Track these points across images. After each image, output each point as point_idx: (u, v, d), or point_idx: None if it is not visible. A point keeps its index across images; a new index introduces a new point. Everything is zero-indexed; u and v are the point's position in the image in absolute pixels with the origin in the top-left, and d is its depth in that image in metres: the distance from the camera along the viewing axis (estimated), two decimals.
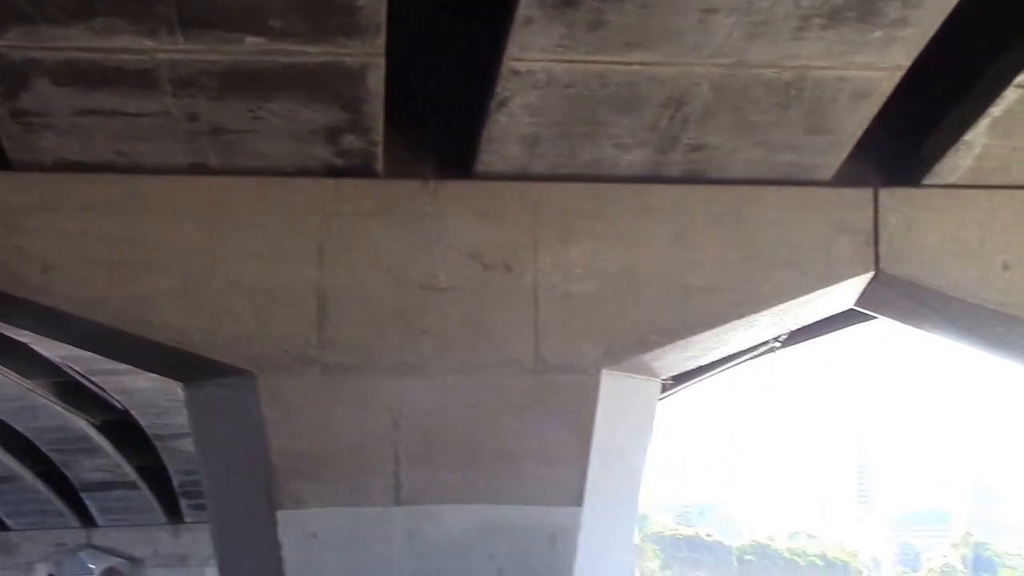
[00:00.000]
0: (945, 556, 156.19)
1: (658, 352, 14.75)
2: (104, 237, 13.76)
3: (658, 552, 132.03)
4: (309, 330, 14.04)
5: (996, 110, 12.99)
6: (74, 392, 39.88)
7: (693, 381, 28.10)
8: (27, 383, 36.93)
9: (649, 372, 15.33)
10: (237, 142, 13.22)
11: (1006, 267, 14.88)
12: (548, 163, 13.99)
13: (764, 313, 14.80)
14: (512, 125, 13.15)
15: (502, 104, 12.70)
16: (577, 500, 14.35)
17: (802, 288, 14.65)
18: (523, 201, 14.35)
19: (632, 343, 14.50)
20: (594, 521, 14.53)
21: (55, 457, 48.68)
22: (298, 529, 14.16)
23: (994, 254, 14.90)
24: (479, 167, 14.00)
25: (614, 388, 14.53)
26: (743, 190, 14.50)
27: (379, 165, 13.91)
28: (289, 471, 14.14)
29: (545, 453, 14.40)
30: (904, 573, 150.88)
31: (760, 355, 24.58)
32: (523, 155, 13.81)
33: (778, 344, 23.36)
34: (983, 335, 16.62)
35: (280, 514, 14.07)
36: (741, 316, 14.64)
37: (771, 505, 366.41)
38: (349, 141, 13.33)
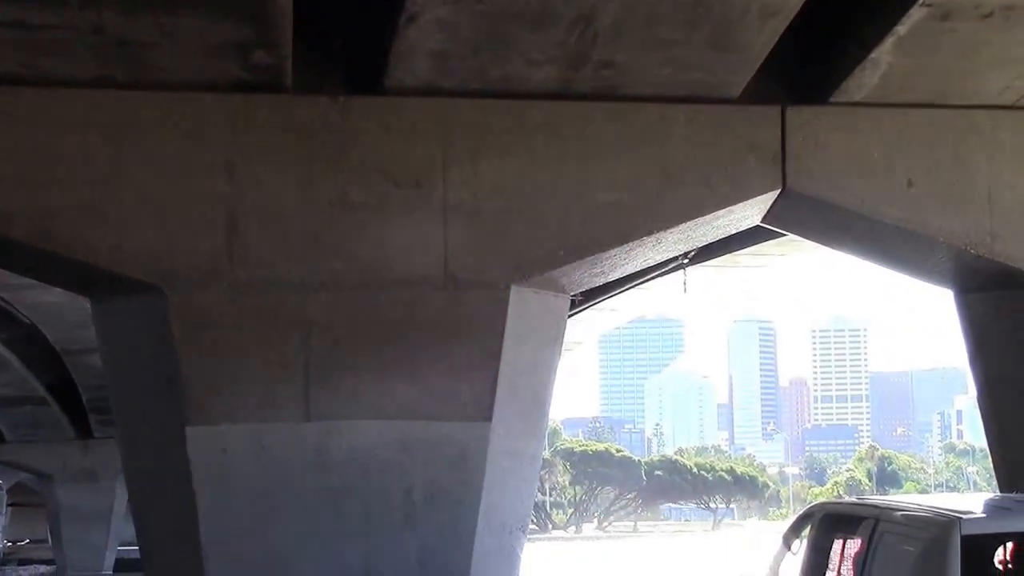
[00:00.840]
0: (851, 470, 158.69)
1: (567, 268, 14.82)
2: (8, 151, 13.59)
3: (568, 467, 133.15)
4: (218, 246, 13.97)
5: (902, 28, 13.06)
6: None
7: (603, 297, 28.19)
8: None
9: (558, 288, 15.40)
10: (144, 56, 13.06)
11: (910, 184, 15.04)
12: (458, 79, 13.95)
13: (672, 230, 14.89)
14: (422, 41, 13.09)
15: (411, 20, 12.62)
16: (486, 415, 14.43)
17: (709, 205, 14.75)
18: (433, 117, 14.31)
19: (541, 259, 14.54)
20: (503, 436, 14.62)
21: None
22: (207, 445, 14.13)
23: (899, 172, 15.07)
24: (388, 83, 13.93)
25: (523, 304, 14.59)
26: (652, 108, 14.54)
27: (288, 81, 13.81)
28: (198, 387, 14.11)
29: (454, 369, 14.45)
30: (810, 487, 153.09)
31: (669, 271, 24.70)
32: (433, 71, 13.76)
33: (686, 260, 23.48)
34: (888, 252, 16.83)
35: (189, 430, 14.05)
36: (649, 233, 14.73)
37: (681, 421, 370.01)
38: (258, 56, 13.21)
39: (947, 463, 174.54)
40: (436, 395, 14.42)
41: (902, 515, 10.69)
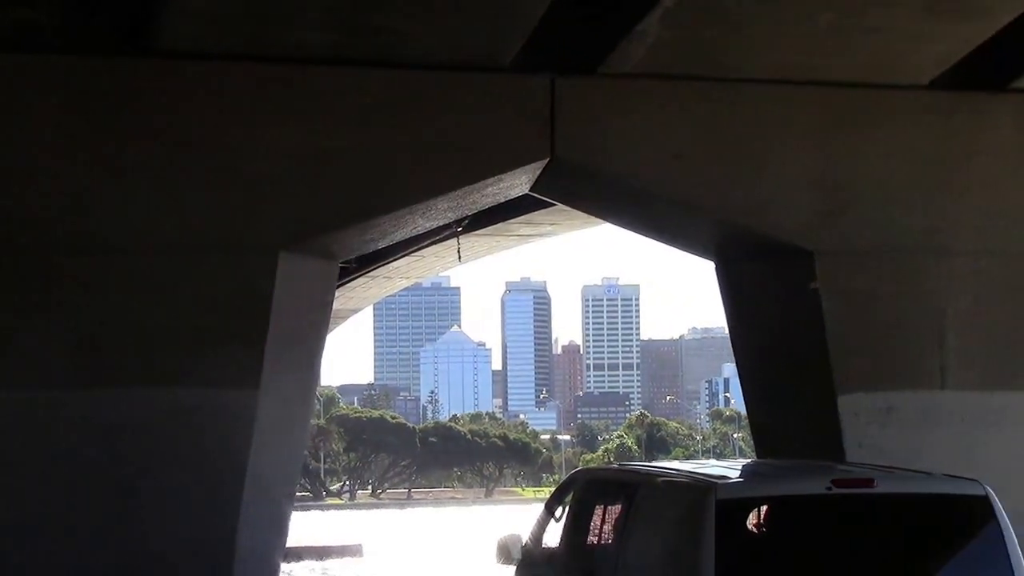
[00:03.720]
0: (621, 437, 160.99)
1: (337, 235, 14.76)
2: None
3: (343, 435, 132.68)
4: None
5: (669, 1, 13.22)
6: None
7: (377, 265, 28.12)
8: None
9: (328, 255, 15.33)
10: None
11: (679, 155, 15.27)
12: (232, 43, 13.79)
13: (442, 198, 14.93)
14: (193, 2, 12.90)
15: None
16: (254, 382, 14.31)
17: (479, 173, 14.81)
18: (206, 81, 14.14)
19: (311, 225, 14.46)
20: (271, 403, 14.52)
21: None
22: None
23: (668, 143, 15.29)
24: (160, 46, 13.70)
25: (292, 270, 14.48)
26: (425, 75, 14.53)
27: (56, 39, 13.51)
28: None
29: (223, 335, 14.29)
30: (582, 454, 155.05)
31: (443, 239, 24.76)
32: (205, 34, 13.58)
33: (460, 228, 23.56)
34: (655, 222, 17.10)
35: None
36: (418, 201, 14.74)
37: (456, 389, 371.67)
38: (22, 13, 12.90)
39: (714, 430, 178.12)
40: (205, 362, 14.25)
41: (661, 481, 10.85)
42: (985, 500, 9.91)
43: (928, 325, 15.77)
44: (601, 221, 19.63)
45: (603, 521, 11.47)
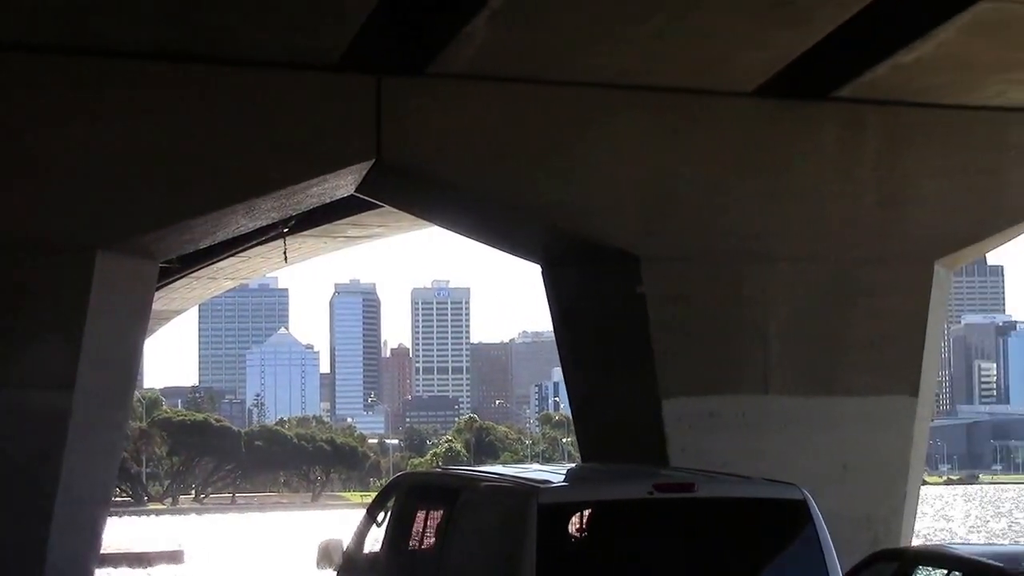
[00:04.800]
0: (450, 441, 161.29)
1: (156, 234, 14.47)
2: None
3: (165, 437, 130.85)
4: None
5: (496, 2, 13.13)
6: None
7: (200, 265, 27.74)
8: None
9: (147, 254, 15.02)
10: None
11: (505, 157, 15.21)
12: (53, 35, 13.44)
13: (265, 198, 14.68)
14: None
15: None
16: (68, 384, 13.96)
17: (302, 174, 14.58)
18: (25, 73, 13.74)
19: (129, 224, 14.14)
20: (86, 404, 14.18)
21: None
22: None
23: (494, 144, 15.22)
24: None
25: (109, 270, 14.17)
26: (252, 72, 14.26)
27: None
28: None
29: (36, 336, 13.93)
30: (410, 458, 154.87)
31: (269, 239, 24.52)
32: (22, 24, 13.21)
33: (286, 229, 23.34)
34: (482, 225, 17.03)
35: None
36: (240, 200, 14.48)
37: (284, 392, 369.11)
38: None
39: (544, 434, 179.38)
40: (19, 361, 13.87)
41: (484, 485, 10.79)
42: (803, 504, 10.06)
43: (752, 330, 15.92)
44: (430, 223, 19.53)
45: (425, 526, 11.37)
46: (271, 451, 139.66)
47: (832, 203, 16.07)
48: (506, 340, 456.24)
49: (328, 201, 16.38)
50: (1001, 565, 10.41)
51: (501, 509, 10.11)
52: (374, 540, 12.20)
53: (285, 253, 26.11)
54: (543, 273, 17.17)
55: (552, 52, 14.60)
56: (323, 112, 14.50)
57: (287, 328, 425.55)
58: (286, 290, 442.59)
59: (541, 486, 10.05)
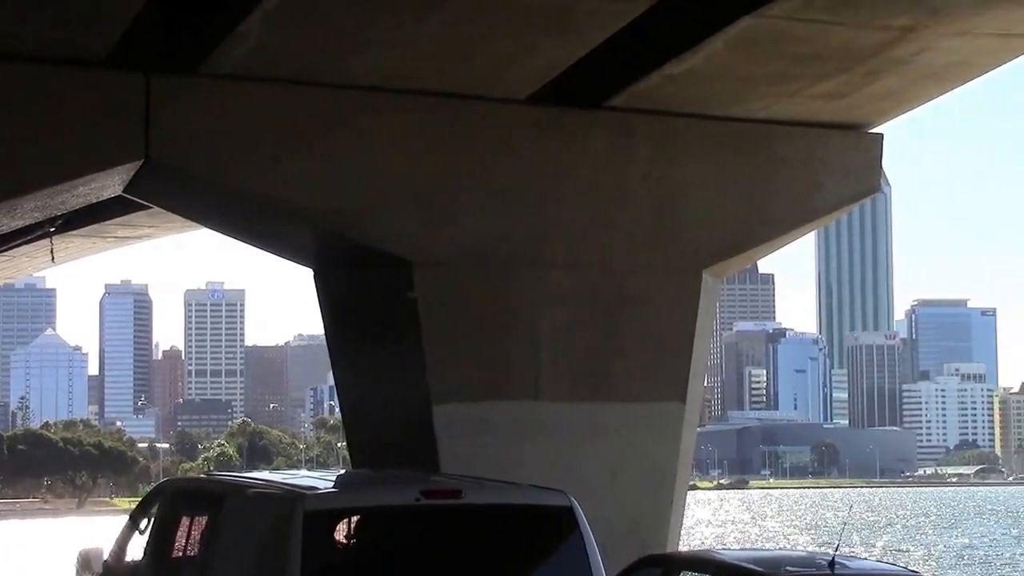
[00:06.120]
0: (222, 445, 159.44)
1: None
2: None
3: None
4: None
5: (269, 3, 12.92)
6: None
7: None
8: None
9: None
10: None
11: (277, 160, 15.00)
12: None
13: (28, 197, 14.25)
14: None
15: None
16: None
17: (68, 173, 14.17)
18: None
19: None
20: None
21: None
22: None
23: (266, 147, 14.98)
24: None
25: None
26: (7, 66, 13.77)
27: None
28: None
29: None
30: (182, 462, 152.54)
31: (35, 239, 23.93)
32: None
33: (53, 228, 22.77)
34: (253, 228, 16.81)
35: None
36: (1, 199, 14.05)
37: (50, 394, 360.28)
38: None
39: (318, 439, 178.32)
40: None
41: (250, 492, 10.66)
42: (569, 511, 10.14)
43: (523, 336, 16.00)
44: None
45: (189, 534, 11.17)
46: (35, 455, 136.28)
47: (604, 211, 16.20)
48: (282, 343, 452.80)
49: (95, 201, 15.98)
50: (761, 570, 10.63)
51: (267, 516, 10.00)
52: (136, 548, 11.94)
53: (52, 253, 25.46)
54: (314, 276, 17.01)
55: (324, 54, 14.45)
56: (89, 110, 14.09)
57: (54, 329, 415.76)
58: (53, 290, 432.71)
59: (307, 492, 9.95)
